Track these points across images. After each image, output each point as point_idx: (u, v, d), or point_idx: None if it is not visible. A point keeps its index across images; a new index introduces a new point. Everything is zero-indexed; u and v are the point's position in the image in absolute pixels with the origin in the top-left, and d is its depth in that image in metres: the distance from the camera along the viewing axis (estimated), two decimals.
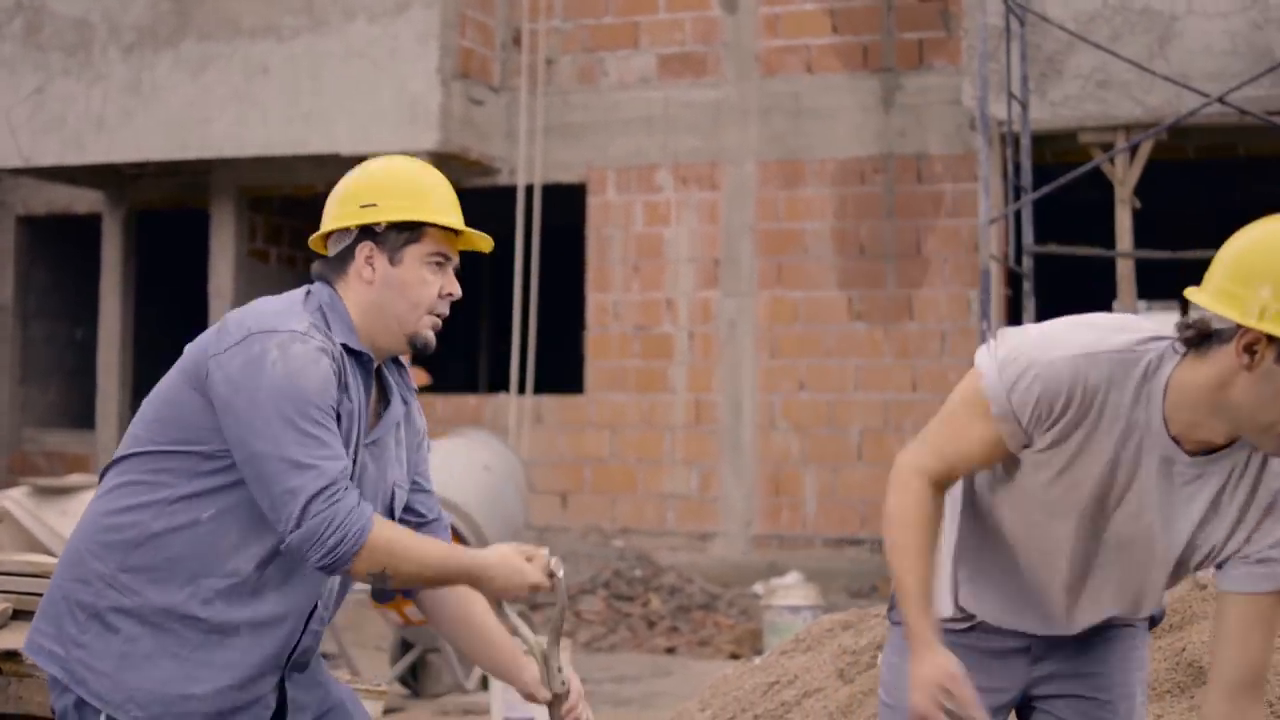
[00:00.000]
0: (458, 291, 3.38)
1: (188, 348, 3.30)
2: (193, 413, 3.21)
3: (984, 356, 3.03)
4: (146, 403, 3.34)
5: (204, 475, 3.21)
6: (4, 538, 10.30)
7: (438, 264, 3.35)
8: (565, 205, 15.18)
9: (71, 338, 18.02)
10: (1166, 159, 12.64)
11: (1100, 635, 3.28)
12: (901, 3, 14.18)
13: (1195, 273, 3.14)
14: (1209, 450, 2.96)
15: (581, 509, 14.64)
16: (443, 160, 14.26)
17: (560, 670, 3.38)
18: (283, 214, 16.80)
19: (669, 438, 14.49)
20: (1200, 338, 2.86)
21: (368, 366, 3.31)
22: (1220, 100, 10.48)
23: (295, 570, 3.26)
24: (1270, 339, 2.77)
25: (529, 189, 15.01)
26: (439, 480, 11.37)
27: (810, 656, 5.41)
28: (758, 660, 5.69)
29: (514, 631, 3.36)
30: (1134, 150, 11.51)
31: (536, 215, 14.92)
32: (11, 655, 4.17)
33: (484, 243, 3.43)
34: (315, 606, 3.34)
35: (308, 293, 3.34)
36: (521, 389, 14.95)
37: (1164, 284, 21.22)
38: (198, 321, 16.23)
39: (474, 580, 3.27)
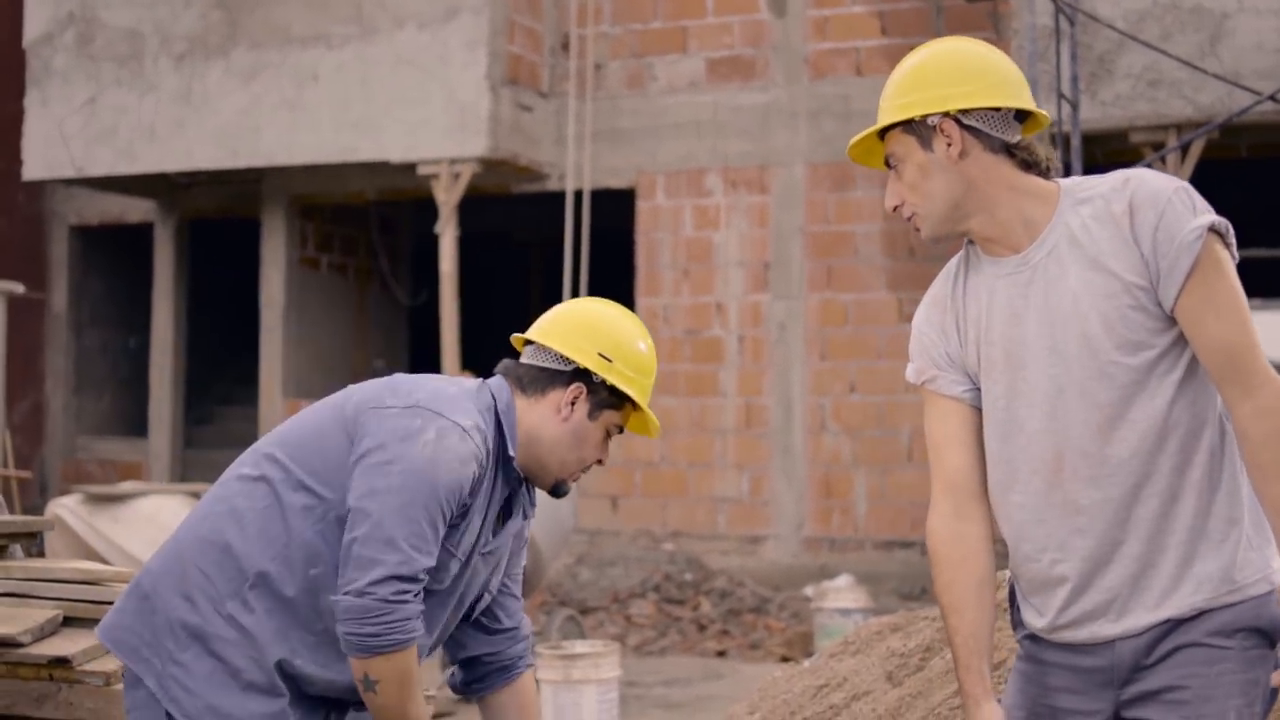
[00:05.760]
0: (605, 460, 3.46)
1: (353, 391, 3.32)
2: (335, 451, 3.23)
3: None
4: (292, 426, 3.34)
5: (317, 523, 3.23)
6: (57, 545, 10.38)
7: (613, 434, 3.43)
8: (614, 210, 15.18)
9: (125, 346, 18.15)
10: (1218, 158, 12.57)
11: (1190, 657, 3.13)
12: (950, 4, 14.13)
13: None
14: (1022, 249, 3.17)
15: (632, 513, 14.64)
16: (492, 166, 14.30)
17: None
18: (333, 221, 16.86)
19: (719, 441, 14.48)
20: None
21: (514, 483, 3.34)
22: (1272, 98, 10.38)
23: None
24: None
25: (578, 194, 15.02)
26: None
27: (859, 659, 5.38)
28: (806, 663, 5.66)
29: None
30: (1185, 149, 11.44)
31: (586, 220, 14.93)
32: (62, 662, 4.18)
33: (653, 429, 3.48)
34: None
35: (482, 388, 3.36)
36: None
37: None
38: (250, 329, 16.30)
39: None
